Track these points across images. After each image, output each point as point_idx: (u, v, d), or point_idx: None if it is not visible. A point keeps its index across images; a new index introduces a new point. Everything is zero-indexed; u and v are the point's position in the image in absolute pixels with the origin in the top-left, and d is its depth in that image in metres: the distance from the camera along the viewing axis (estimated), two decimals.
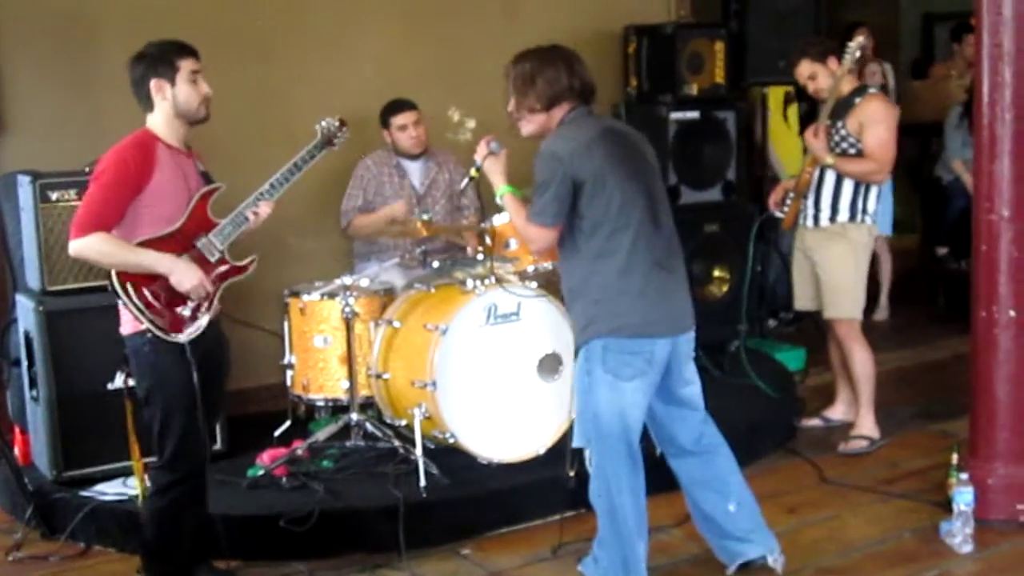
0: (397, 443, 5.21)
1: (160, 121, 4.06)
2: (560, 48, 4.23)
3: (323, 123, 4.45)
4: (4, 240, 5.57)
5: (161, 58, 4.02)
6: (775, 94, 7.57)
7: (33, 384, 5.18)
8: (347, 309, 5.27)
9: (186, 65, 4.04)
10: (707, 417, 4.36)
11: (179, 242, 4.02)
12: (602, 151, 4.02)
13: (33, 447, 5.35)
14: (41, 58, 5.75)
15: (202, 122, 4.13)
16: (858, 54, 5.49)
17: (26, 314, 5.18)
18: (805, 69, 5.60)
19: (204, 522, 4.31)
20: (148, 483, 4.32)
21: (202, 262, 4.05)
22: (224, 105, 5.89)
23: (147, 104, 4.06)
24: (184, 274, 3.97)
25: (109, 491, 4.99)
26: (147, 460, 4.39)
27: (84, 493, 4.99)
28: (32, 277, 5.17)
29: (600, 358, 4.04)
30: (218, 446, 5.25)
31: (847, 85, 5.57)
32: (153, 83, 4.01)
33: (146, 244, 3.95)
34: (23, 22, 5.72)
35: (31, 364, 5.17)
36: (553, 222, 4.07)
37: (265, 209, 4.18)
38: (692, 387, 4.29)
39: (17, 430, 5.48)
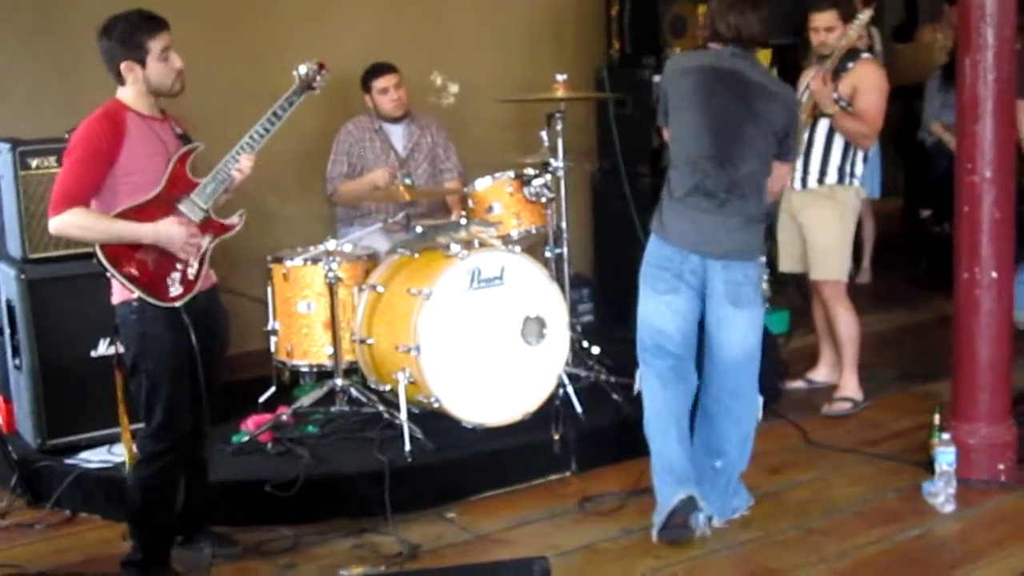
0: (382, 408, 5.21)
1: (131, 94, 4.01)
2: None
3: (300, 68, 4.34)
4: None
5: (130, 38, 3.93)
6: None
7: (16, 353, 5.16)
8: (330, 274, 5.26)
9: (156, 44, 3.95)
10: (737, 373, 4.47)
11: (160, 207, 3.98)
12: (691, 80, 4.39)
13: (17, 416, 5.34)
14: (20, 26, 5.71)
15: (176, 95, 4.07)
16: (864, 19, 5.47)
17: (8, 283, 5.15)
18: (829, 20, 5.54)
19: (204, 489, 4.34)
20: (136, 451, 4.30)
21: (187, 224, 4.02)
22: (207, 73, 5.88)
23: (118, 79, 4.00)
24: (170, 234, 3.95)
25: (94, 459, 4.99)
26: (135, 427, 4.35)
27: (69, 461, 4.99)
28: (13, 245, 5.14)
29: (644, 262, 4.49)
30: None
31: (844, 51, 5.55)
32: (123, 65, 3.94)
33: (126, 213, 3.92)
34: None
35: (13, 333, 5.15)
36: (659, 122, 4.56)
37: (247, 163, 4.12)
38: (727, 332, 4.41)
39: (0, 399, 5.47)
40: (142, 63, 3.94)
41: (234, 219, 4.19)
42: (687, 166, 4.38)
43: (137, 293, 3.93)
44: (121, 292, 3.98)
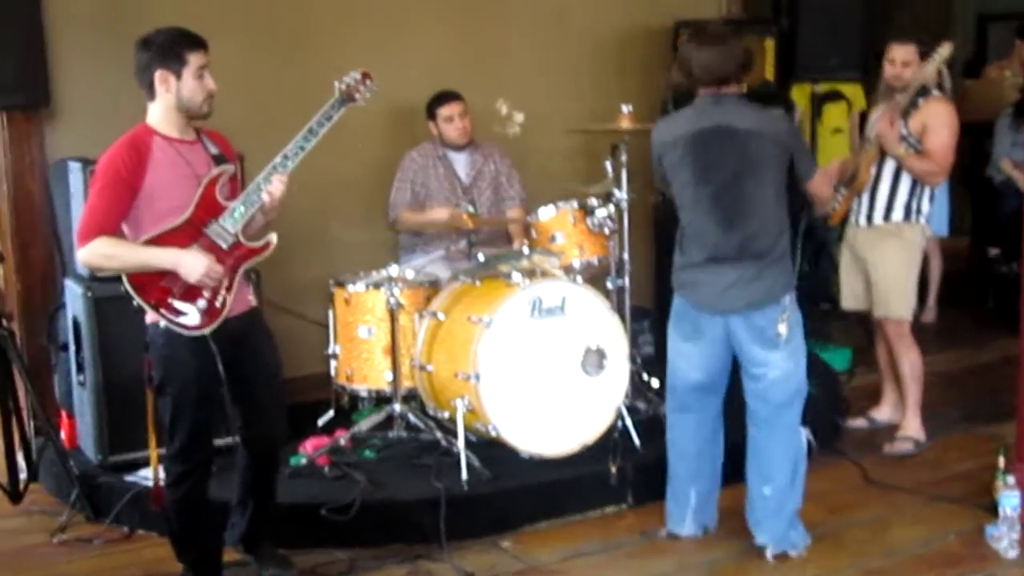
0: (439, 435, 5.21)
1: (159, 113, 3.97)
2: (698, 28, 4.60)
3: (344, 78, 4.20)
4: (54, 226, 5.63)
5: (170, 49, 3.92)
6: (801, 91, 7.52)
7: (80, 369, 5.23)
8: (392, 300, 5.28)
9: (195, 60, 3.93)
10: (778, 406, 4.48)
11: (188, 233, 3.93)
12: (680, 152, 4.40)
13: (79, 431, 5.41)
14: (92, 44, 5.79)
15: (203, 118, 4.03)
16: (944, 53, 5.40)
17: (75, 299, 5.22)
18: (908, 53, 5.48)
19: (268, 512, 4.38)
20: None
21: (214, 249, 3.96)
22: (271, 95, 5.96)
23: (149, 92, 3.97)
24: (190, 265, 3.89)
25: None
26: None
27: (129, 478, 5.04)
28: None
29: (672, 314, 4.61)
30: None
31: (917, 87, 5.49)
32: (158, 74, 3.91)
33: (154, 239, 3.89)
34: (75, 8, 5.76)
35: (79, 349, 5.22)
36: (658, 186, 4.71)
37: (278, 186, 4.00)
38: (761, 369, 4.44)
39: (64, 414, 5.54)
40: (178, 75, 3.92)
41: (264, 242, 4.09)
42: (698, 237, 4.44)
43: (163, 322, 3.92)
44: (151, 314, 3.96)
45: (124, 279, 3.89)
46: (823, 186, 4.75)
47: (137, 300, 3.91)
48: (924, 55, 5.47)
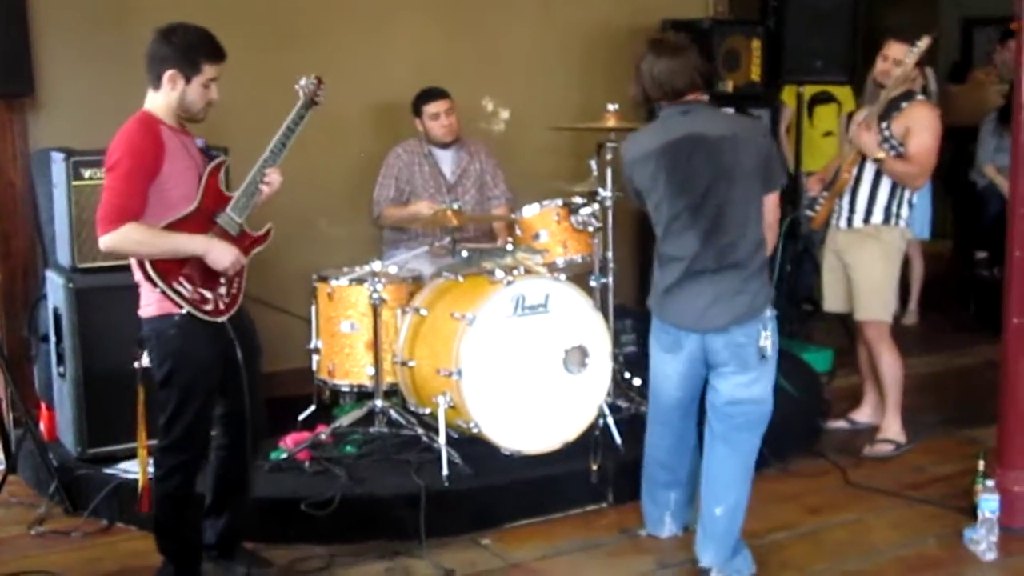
0: (420, 431, 5.21)
1: (162, 104, 3.98)
2: (653, 40, 4.48)
3: (302, 83, 4.29)
4: (36, 216, 5.61)
5: (189, 55, 3.93)
6: (791, 92, 7.53)
7: (60, 360, 5.21)
8: (375, 295, 5.27)
9: (209, 71, 3.96)
10: (739, 423, 4.33)
11: (200, 222, 3.97)
12: (652, 166, 4.28)
13: (58, 423, 5.39)
14: (76, 35, 5.77)
15: (197, 122, 4.08)
16: (923, 46, 5.39)
17: (56, 290, 5.20)
18: (902, 53, 5.45)
19: (245, 508, 4.34)
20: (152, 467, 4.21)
21: (227, 237, 4.02)
22: (257, 90, 5.94)
23: (155, 83, 3.97)
24: (220, 252, 3.95)
25: (133, 469, 4.99)
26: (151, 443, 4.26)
27: (108, 470, 5.02)
28: (63, 254, 5.19)
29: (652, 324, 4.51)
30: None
31: (898, 86, 5.49)
32: (170, 73, 3.92)
33: (170, 227, 3.90)
34: None
35: (59, 340, 5.19)
36: (633, 203, 4.57)
37: (276, 177, 4.13)
38: (730, 389, 4.30)
39: (43, 406, 5.52)
40: (188, 80, 3.95)
41: (264, 230, 4.19)
42: (677, 250, 4.30)
43: (186, 308, 3.92)
44: (160, 305, 3.95)
45: (148, 266, 3.88)
46: (774, 209, 4.43)
47: (162, 287, 3.90)
48: (917, 60, 5.47)
